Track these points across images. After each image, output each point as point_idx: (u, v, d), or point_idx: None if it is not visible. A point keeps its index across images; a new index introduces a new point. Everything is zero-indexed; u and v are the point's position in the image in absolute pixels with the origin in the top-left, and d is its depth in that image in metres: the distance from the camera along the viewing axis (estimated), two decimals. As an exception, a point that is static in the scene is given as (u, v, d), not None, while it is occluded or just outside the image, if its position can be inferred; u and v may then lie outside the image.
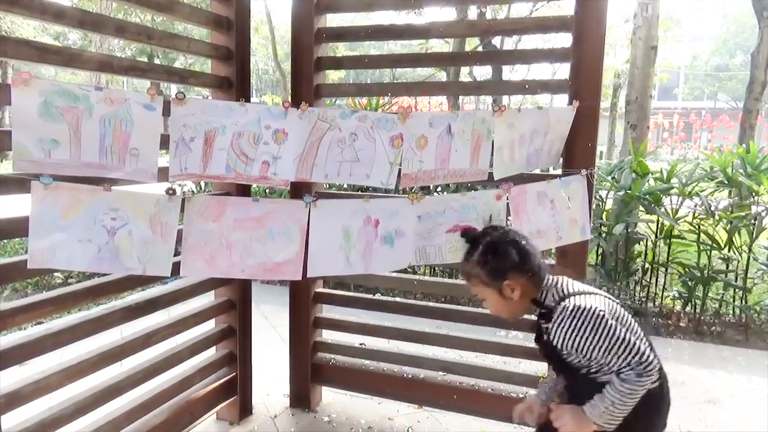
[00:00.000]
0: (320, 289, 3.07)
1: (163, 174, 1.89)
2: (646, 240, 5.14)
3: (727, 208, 4.78)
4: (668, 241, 4.96)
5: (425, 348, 3.01)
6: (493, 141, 2.23)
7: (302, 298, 3.00)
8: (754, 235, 4.69)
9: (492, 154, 2.21)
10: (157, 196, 1.80)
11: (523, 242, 1.67)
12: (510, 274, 1.63)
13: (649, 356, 1.54)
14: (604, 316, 1.54)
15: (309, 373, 3.06)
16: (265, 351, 3.58)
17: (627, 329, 1.57)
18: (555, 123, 2.34)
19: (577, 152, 2.44)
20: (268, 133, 1.93)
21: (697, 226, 4.85)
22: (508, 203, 2.28)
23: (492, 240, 1.66)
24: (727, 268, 4.76)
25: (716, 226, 4.79)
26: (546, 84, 2.57)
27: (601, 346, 1.53)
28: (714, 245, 4.74)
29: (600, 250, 5.16)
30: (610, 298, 1.67)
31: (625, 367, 1.54)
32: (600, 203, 5.14)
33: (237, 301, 2.83)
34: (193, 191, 1.84)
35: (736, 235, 4.78)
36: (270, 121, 1.92)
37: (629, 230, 5.03)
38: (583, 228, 2.42)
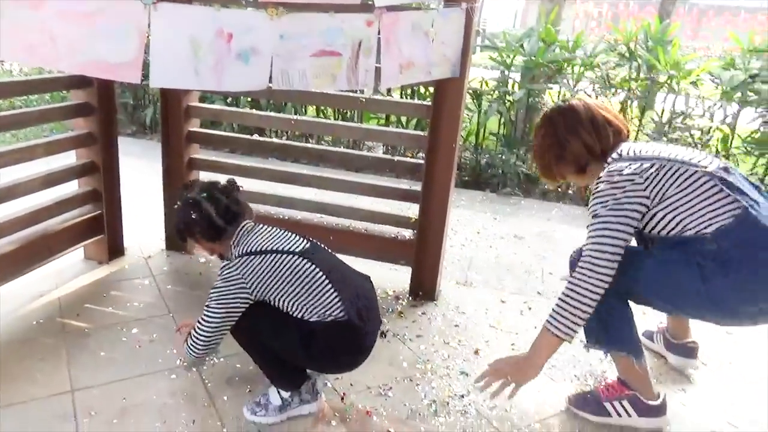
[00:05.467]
0: (194, 129, 2.91)
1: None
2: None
3: (625, 79, 4.86)
4: (567, 111, 5.05)
5: (302, 190, 2.98)
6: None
7: (175, 138, 2.84)
8: (645, 109, 4.86)
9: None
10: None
11: (205, 204, 1.79)
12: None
13: (214, 332, 1.75)
14: (232, 285, 1.72)
15: (185, 215, 2.98)
16: (144, 200, 3.45)
17: (233, 299, 1.72)
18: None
19: (460, -17, 2.32)
20: None
21: (595, 97, 4.94)
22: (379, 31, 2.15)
23: (182, 204, 1.84)
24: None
25: (612, 97, 4.90)
26: None
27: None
28: (607, 116, 4.87)
29: (501, 119, 5.21)
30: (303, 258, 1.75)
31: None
32: (505, 70, 5.10)
33: (99, 135, 2.63)
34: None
35: (629, 108, 4.93)
36: None
37: (532, 99, 5.07)
38: (454, 66, 2.35)
